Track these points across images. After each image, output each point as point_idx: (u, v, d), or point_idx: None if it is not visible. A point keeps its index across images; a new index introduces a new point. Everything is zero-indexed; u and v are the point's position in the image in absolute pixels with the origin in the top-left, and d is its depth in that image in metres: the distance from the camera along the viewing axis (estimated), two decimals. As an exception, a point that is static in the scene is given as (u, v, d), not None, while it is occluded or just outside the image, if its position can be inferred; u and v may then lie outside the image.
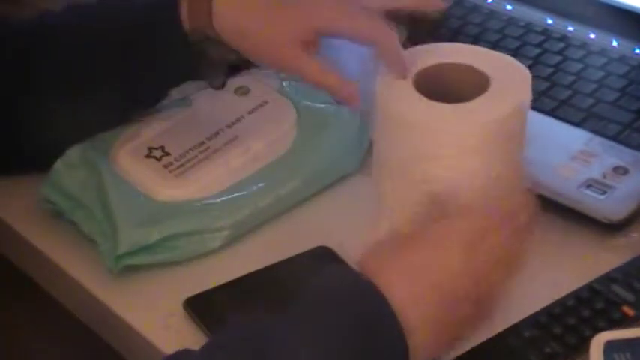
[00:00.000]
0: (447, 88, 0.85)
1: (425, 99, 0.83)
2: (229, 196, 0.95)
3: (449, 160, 0.82)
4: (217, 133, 0.99)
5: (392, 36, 0.87)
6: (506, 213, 0.79)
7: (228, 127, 1.00)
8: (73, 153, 0.96)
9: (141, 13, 0.95)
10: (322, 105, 1.01)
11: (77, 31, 0.96)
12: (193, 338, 0.84)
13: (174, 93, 1.01)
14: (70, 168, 0.96)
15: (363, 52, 0.90)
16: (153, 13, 0.94)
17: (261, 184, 0.96)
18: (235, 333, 0.74)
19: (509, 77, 0.85)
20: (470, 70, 0.86)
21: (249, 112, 1.01)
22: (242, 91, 1.03)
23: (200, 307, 0.87)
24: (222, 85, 0.96)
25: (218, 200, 0.94)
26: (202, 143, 0.98)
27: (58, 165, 0.96)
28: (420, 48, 0.89)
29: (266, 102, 1.02)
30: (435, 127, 0.82)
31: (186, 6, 0.93)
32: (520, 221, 0.79)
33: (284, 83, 1.03)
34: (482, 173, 0.82)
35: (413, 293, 0.74)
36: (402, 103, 0.83)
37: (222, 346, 0.73)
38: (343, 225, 0.94)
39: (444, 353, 0.78)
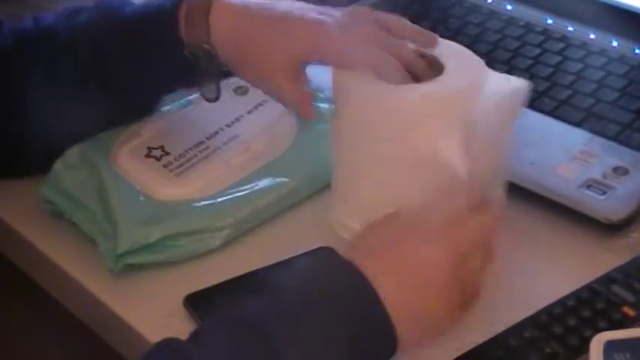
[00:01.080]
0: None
1: (380, 82, 0.85)
2: (229, 196, 0.95)
3: (399, 137, 0.83)
4: (217, 133, 0.99)
5: (390, 62, 0.88)
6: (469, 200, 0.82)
7: (228, 126, 1.00)
8: (73, 153, 0.96)
9: (138, 21, 0.95)
10: (321, 104, 1.01)
11: (72, 37, 0.96)
12: (193, 338, 0.84)
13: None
14: (70, 168, 0.96)
15: None
16: (151, 23, 0.95)
17: (261, 183, 0.96)
18: (223, 323, 0.76)
19: (463, 63, 0.87)
20: (428, 58, 0.88)
21: (249, 112, 1.01)
22: (241, 91, 1.03)
23: (199, 304, 0.87)
24: (216, 98, 0.97)
25: (218, 199, 0.94)
26: (202, 142, 0.98)
27: (58, 165, 0.96)
28: None
29: (265, 101, 1.02)
30: (386, 105, 0.84)
31: (183, 20, 0.93)
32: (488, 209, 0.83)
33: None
34: (429, 152, 0.83)
35: (398, 283, 0.78)
36: (358, 86, 0.85)
37: (210, 337, 0.75)
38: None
39: (428, 341, 0.81)
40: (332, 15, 0.92)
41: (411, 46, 0.90)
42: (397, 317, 0.77)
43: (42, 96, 0.95)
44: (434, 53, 0.88)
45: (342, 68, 0.88)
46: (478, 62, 0.87)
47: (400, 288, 0.78)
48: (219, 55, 0.93)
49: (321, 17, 0.91)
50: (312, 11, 0.92)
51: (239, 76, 0.95)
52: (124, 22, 0.95)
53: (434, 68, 0.87)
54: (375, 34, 0.90)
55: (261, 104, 1.02)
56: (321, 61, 0.90)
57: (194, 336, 0.76)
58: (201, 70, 0.94)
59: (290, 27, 0.91)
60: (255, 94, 1.02)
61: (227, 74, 0.96)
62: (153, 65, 0.95)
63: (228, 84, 1.02)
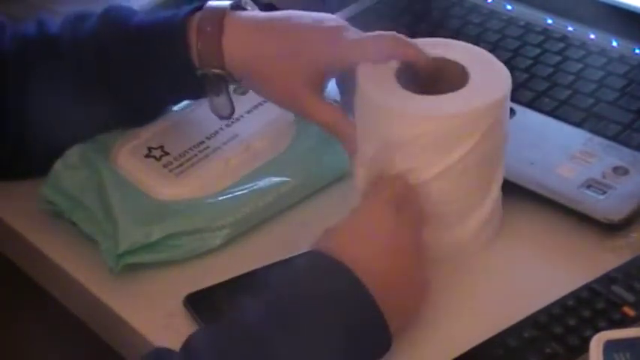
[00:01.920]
0: (428, 81, 0.88)
1: (405, 91, 0.86)
2: (229, 195, 0.95)
3: (417, 149, 0.84)
4: (216, 132, 0.99)
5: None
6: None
7: (228, 125, 1.00)
8: (73, 153, 0.97)
9: (146, 34, 0.94)
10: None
11: (76, 43, 0.95)
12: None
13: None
14: (70, 168, 0.96)
15: None
16: (159, 38, 0.93)
17: (260, 183, 0.96)
18: (217, 329, 0.77)
19: (488, 72, 0.88)
20: (450, 64, 0.89)
21: (248, 112, 1.01)
22: (241, 91, 1.03)
23: (199, 304, 0.87)
24: (230, 114, 0.96)
25: (218, 199, 0.94)
26: (202, 142, 0.98)
27: (58, 165, 0.96)
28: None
29: (265, 101, 1.02)
30: (408, 115, 0.84)
31: (195, 40, 0.92)
32: None
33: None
34: (459, 163, 0.85)
35: (363, 255, 0.81)
36: (383, 95, 0.86)
37: (203, 345, 0.76)
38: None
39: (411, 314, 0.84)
40: (338, 20, 0.92)
41: (435, 52, 0.90)
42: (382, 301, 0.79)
43: (42, 99, 0.95)
44: (462, 58, 0.89)
45: (364, 62, 0.88)
46: (503, 70, 0.88)
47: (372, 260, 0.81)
48: (236, 77, 0.93)
49: (332, 23, 0.91)
50: (323, 19, 0.92)
51: (263, 98, 0.96)
52: (130, 32, 0.94)
53: (458, 75, 0.88)
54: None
55: (260, 104, 1.02)
56: (344, 68, 0.90)
57: (186, 343, 0.77)
58: (213, 89, 0.94)
59: (308, 39, 0.90)
60: (255, 95, 1.02)
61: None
62: (159, 79, 0.94)
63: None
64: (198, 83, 0.93)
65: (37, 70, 0.95)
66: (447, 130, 0.84)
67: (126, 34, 0.94)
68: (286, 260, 0.90)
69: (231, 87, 1.00)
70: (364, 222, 0.84)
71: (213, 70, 0.92)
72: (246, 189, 0.95)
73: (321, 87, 0.91)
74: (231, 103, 0.95)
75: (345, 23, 0.92)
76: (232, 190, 0.95)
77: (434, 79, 0.88)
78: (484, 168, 0.88)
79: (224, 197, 0.94)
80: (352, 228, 0.84)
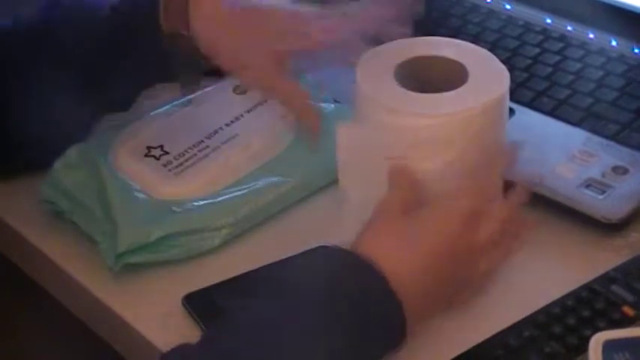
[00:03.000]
0: (427, 80, 0.88)
1: (403, 89, 0.85)
2: (229, 195, 0.95)
3: (424, 148, 0.84)
4: (216, 132, 0.99)
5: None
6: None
7: (227, 125, 1.00)
8: (73, 153, 0.97)
9: (118, 14, 0.95)
10: (320, 103, 1.01)
11: (52, 31, 0.96)
12: (193, 338, 0.84)
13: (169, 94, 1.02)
14: (69, 168, 0.96)
15: None
16: (131, 15, 0.94)
17: (260, 183, 0.96)
18: (232, 323, 0.76)
19: (487, 71, 0.87)
20: (449, 62, 0.88)
21: (248, 111, 1.01)
22: (240, 90, 1.03)
23: (199, 303, 0.87)
24: (194, 88, 0.97)
25: (218, 199, 0.94)
26: (201, 142, 0.98)
27: (58, 165, 0.96)
28: (402, 41, 0.91)
29: (265, 101, 1.02)
30: (411, 115, 0.84)
31: (163, 10, 0.93)
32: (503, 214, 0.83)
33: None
34: (456, 163, 0.84)
35: (401, 257, 0.79)
36: (381, 93, 0.85)
37: (220, 338, 0.75)
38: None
39: (440, 312, 0.83)
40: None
41: (442, 53, 0.90)
42: (404, 292, 0.78)
43: (20, 90, 0.95)
44: (459, 57, 0.89)
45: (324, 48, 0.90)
46: (502, 71, 0.88)
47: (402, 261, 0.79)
48: (200, 44, 0.93)
49: (305, 11, 0.92)
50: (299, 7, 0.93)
51: (219, 64, 0.95)
52: (102, 13, 0.95)
53: (457, 74, 0.87)
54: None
55: (260, 104, 1.02)
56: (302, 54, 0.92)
57: (202, 339, 0.76)
58: (181, 63, 0.94)
59: (274, 21, 0.92)
60: (255, 94, 1.02)
61: (208, 74, 0.97)
62: (131, 56, 0.95)
63: (227, 84, 1.02)
64: (167, 58, 0.94)
65: (14, 62, 0.96)
66: (445, 129, 0.84)
67: (98, 14, 0.95)
68: (286, 259, 0.90)
69: (231, 86, 1.00)
70: (417, 225, 0.82)
71: (178, 34, 0.93)
72: (245, 189, 0.95)
73: (283, 63, 0.93)
74: (198, 85, 0.97)
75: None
76: (232, 190, 0.95)
77: (433, 78, 0.88)
78: (482, 167, 0.87)
79: (224, 197, 0.94)
80: (396, 229, 0.82)
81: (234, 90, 1.03)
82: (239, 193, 0.95)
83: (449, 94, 0.86)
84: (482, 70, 0.88)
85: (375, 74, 0.88)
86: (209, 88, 1.02)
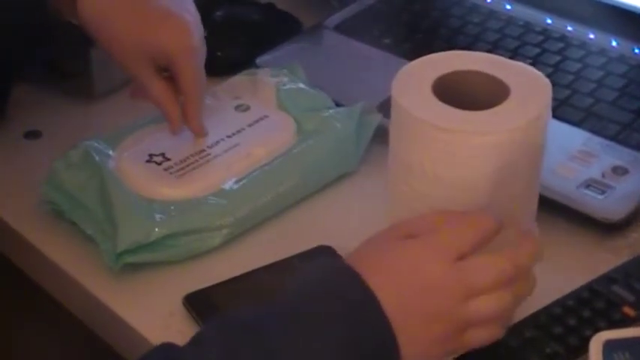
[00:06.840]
0: (466, 95, 0.82)
1: (442, 104, 0.81)
2: (229, 195, 0.95)
3: (461, 165, 0.80)
4: (218, 142, 0.99)
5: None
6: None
7: (229, 137, 1.00)
8: (74, 153, 0.97)
9: None
10: (320, 110, 1.02)
11: None
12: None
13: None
14: (70, 168, 0.96)
15: None
16: None
17: (260, 182, 0.96)
18: (223, 326, 0.75)
19: (530, 87, 0.82)
20: (489, 78, 0.83)
21: (250, 125, 1.01)
22: (242, 108, 1.03)
23: (199, 304, 0.87)
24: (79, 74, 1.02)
25: (218, 199, 0.94)
26: (203, 150, 0.98)
27: (58, 165, 0.96)
28: (439, 55, 0.86)
29: (266, 116, 1.02)
30: (451, 131, 0.79)
31: None
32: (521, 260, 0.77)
33: (281, 95, 1.03)
34: (491, 182, 0.80)
35: (399, 295, 0.74)
36: (418, 108, 0.81)
37: (210, 340, 0.73)
38: (343, 225, 0.94)
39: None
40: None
41: (478, 66, 0.84)
42: (397, 321, 0.73)
43: None
44: (499, 73, 0.83)
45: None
46: (546, 86, 0.82)
47: (399, 295, 0.74)
48: (86, 29, 0.95)
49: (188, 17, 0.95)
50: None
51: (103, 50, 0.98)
52: None
53: (498, 90, 0.82)
54: None
55: (262, 118, 1.02)
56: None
57: (192, 340, 0.76)
58: (65, 39, 0.98)
59: (158, 24, 0.94)
60: (257, 111, 1.02)
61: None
62: (13, 25, 0.97)
63: (228, 103, 1.03)
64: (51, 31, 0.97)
65: None
66: (488, 146, 0.79)
67: None
68: (286, 259, 0.90)
69: (233, 105, 1.01)
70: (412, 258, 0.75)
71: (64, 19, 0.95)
72: (245, 188, 0.95)
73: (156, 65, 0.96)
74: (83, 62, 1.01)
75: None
76: (232, 190, 0.95)
77: (472, 94, 0.83)
78: (520, 182, 0.82)
79: (223, 197, 0.94)
80: (395, 258, 0.76)
81: (236, 109, 1.03)
82: (239, 193, 0.95)
83: (489, 110, 0.80)
84: (523, 86, 0.82)
85: (412, 89, 0.82)
86: (210, 103, 1.02)
